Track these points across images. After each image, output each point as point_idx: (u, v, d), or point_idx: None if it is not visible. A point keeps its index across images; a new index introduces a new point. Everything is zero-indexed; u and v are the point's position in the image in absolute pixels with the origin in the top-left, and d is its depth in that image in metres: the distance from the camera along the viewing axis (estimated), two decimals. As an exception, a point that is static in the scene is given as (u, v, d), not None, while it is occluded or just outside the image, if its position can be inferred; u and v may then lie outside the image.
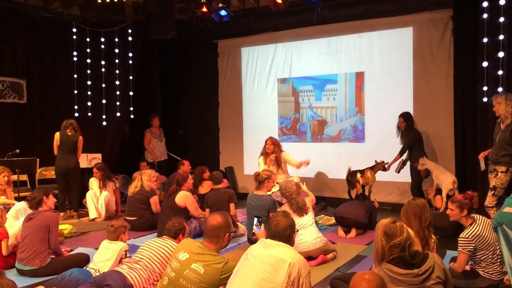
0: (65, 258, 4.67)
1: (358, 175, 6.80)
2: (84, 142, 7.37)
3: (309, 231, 4.72)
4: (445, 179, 6.27)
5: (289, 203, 4.87)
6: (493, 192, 5.09)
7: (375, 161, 7.00)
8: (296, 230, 3.04)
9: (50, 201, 4.82)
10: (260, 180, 5.35)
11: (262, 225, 3.39)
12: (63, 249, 5.24)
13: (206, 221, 3.21)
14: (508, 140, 5.02)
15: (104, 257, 4.19)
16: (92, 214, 6.95)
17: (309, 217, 4.79)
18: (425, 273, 2.49)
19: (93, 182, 7.19)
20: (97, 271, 4.08)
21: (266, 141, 7.32)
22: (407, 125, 6.93)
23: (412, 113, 7.55)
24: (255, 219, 3.52)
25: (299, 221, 4.60)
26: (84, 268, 4.28)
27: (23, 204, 5.46)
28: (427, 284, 2.48)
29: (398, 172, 7.08)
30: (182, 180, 5.91)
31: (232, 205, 5.81)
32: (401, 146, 7.05)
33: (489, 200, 5.13)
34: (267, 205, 5.20)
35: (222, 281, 2.98)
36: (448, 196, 6.19)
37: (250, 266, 2.82)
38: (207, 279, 2.97)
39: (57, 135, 7.12)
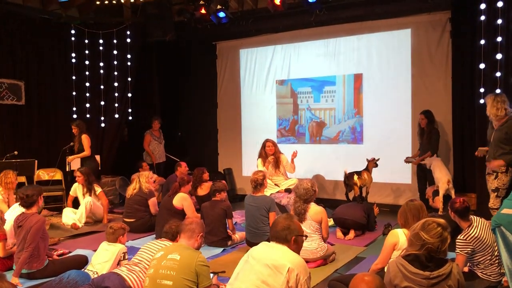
0: (63, 260, 4.67)
1: (355, 177, 6.80)
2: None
3: (312, 239, 4.66)
4: (440, 178, 6.27)
5: (293, 204, 4.79)
6: (496, 193, 5.07)
7: (366, 159, 7.02)
8: (303, 235, 3.00)
9: (41, 201, 4.69)
10: (260, 183, 5.32)
11: None
12: (60, 251, 5.26)
13: (184, 220, 3.44)
14: (503, 139, 5.01)
15: (102, 258, 4.19)
16: (68, 220, 6.57)
17: (315, 226, 4.70)
18: (436, 278, 2.49)
19: (76, 188, 6.94)
20: (95, 273, 4.07)
21: (265, 143, 7.30)
22: (428, 122, 6.87)
23: (410, 114, 7.59)
24: None
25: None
26: (82, 270, 4.27)
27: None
28: None
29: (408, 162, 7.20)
30: (186, 182, 5.94)
31: (229, 221, 5.66)
32: (420, 144, 7.05)
33: (493, 202, 5.10)
34: (267, 204, 5.20)
35: (199, 268, 3.00)
36: (446, 197, 6.20)
37: (251, 268, 2.82)
38: (185, 262, 3.00)
39: (88, 136, 7.65)
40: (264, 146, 7.31)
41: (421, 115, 6.96)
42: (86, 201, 6.72)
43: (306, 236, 3.23)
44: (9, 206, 5.86)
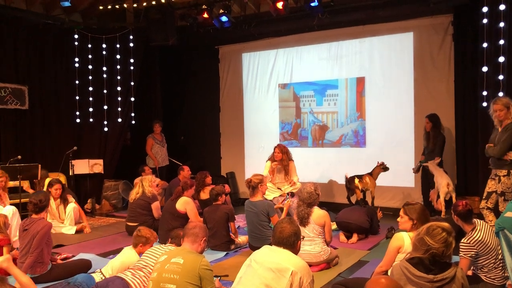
0: (66, 265, 4.67)
1: (356, 180, 6.78)
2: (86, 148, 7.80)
3: (315, 243, 4.65)
4: (441, 183, 6.28)
5: (297, 208, 4.80)
6: (503, 197, 5.04)
7: (377, 162, 7.01)
8: (302, 237, 3.04)
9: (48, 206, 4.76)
10: (253, 185, 5.31)
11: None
12: (64, 255, 5.26)
13: (188, 224, 3.43)
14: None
15: (113, 263, 4.18)
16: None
17: (318, 229, 4.69)
18: (439, 282, 2.48)
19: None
20: (101, 273, 4.07)
21: (274, 148, 7.19)
22: (433, 126, 6.86)
23: (412, 117, 7.58)
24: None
25: (303, 230, 4.54)
26: (94, 271, 4.23)
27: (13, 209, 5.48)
28: None
29: (416, 172, 7.12)
30: (189, 186, 5.95)
31: (232, 224, 5.66)
32: (424, 148, 7.00)
33: (503, 206, 5.08)
34: (265, 209, 5.20)
35: (203, 272, 3.01)
36: (449, 201, 6.19)
37: (253, 272, 2.83)
38: (188, 266, 3.01)
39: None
40: (274, 150, 7.22)
41: (425, 118, 6.94)
42: (71, 207, 6.63)
43: (303, 237, 3.27)
44: (4, 205, 5.87)
